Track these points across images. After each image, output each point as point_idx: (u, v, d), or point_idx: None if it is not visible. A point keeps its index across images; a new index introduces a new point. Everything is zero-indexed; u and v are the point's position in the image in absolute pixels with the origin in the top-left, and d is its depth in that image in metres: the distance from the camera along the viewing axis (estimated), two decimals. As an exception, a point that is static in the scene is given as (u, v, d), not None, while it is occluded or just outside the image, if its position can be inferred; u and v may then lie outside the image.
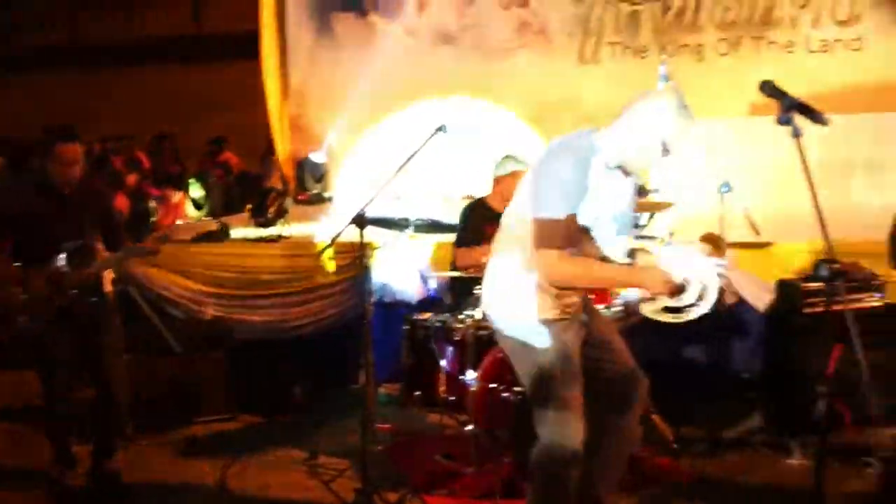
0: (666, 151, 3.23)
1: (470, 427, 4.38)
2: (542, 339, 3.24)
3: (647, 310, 3.39)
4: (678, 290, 3.19)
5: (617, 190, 3.30)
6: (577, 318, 3.37)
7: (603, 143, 3.23)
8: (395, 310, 5.53)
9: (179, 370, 5.59)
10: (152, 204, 7.14)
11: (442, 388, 4.63)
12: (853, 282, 4.65)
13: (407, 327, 4.88)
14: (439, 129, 4.28)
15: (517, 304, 3.28)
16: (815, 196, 2.67)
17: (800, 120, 2.78)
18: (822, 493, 2.82)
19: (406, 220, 4.65)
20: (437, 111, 7.82)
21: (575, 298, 3.33)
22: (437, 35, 8.50)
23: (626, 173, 3.31)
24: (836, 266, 2.71)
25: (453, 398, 4.58)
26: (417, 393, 4.77)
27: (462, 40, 8.44)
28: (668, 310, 3.32)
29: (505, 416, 4.22)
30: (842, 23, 7.78)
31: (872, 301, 4.70)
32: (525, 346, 3.29)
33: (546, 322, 3.25)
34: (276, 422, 5.53)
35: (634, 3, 8.18)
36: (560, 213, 3.12)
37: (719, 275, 3.32)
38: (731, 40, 7.97)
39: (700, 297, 3.21)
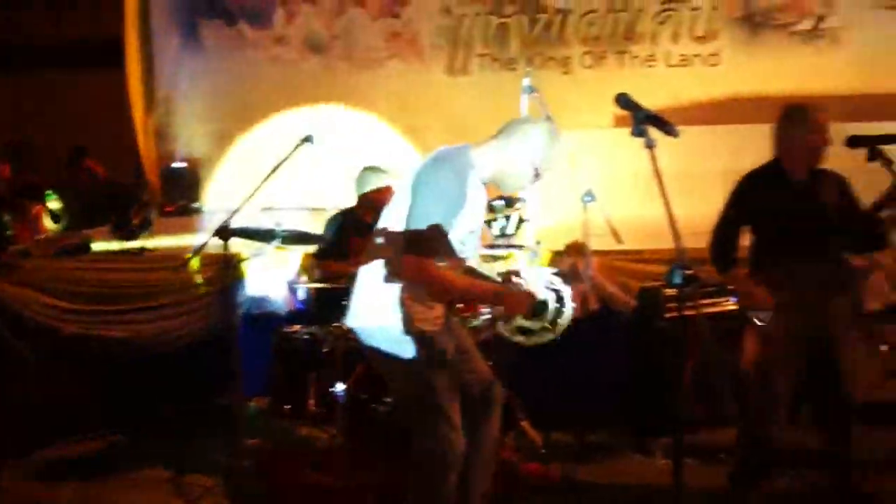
0: (537, 177, 3.34)
1: (340, 440, 4.35)
2: (408, 350, 3.24)
3: (503, 328, 3.46)
4: (537, 310, 3.27)
5: (483, 205, 3.37)
6: (445, 328, 3.38)
7: (478, 159, 3.30)
8: (264, 322, 5.44)
9: (38, 390, 5.35)
10: (6, 217, 6.80)
11: (311, 401, 4.59)
12: (707, 287, 4.83)
13: (275, 340, 4.82)
14: (306, 139, 4.25)
15: (384, 315, 3.26)
16: (667, 204, 2.76)
17: (653, 131, 2.88)
18: (680, 491, 2.91)
19: (272, 231, 4.58)
20: (307, 120, 7.77)
21: (440, 310, 3.35)
22: (306, 44, 8.45)
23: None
24: (689, 272, 2.81)
25: (323, 411, 4.54)
26: (287, 406, 4.71)
27: (332, 49, 8.42)
28: (521, 331, 3.40)
29: (374, 427, 4.22)
30: (699, 38, 8.13)
31: (727, 305, 4.88)
32: (394, 358, 3.28)
33: (413, 333, 3.24)
34: (140, 440, 5.34)
35: (503, 16, 8.33)
36: (434, 223, 3.13)
37: (585, 280, 3.42)
38: (595, 54, 8.23)
39: (553, 321, 3.30)
